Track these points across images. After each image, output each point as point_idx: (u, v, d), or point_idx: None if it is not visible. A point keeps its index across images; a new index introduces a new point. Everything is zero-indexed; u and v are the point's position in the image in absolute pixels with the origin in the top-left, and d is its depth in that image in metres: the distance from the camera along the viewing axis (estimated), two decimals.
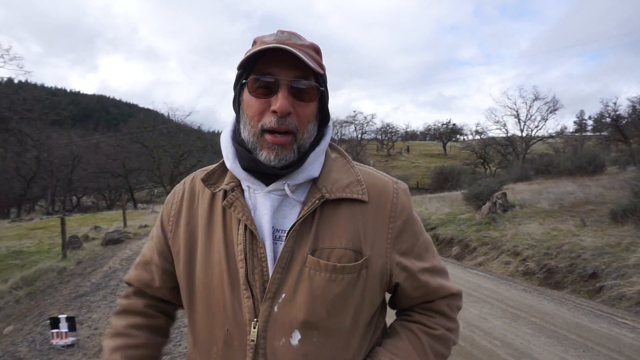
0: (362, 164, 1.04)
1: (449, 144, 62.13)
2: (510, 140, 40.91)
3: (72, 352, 4.10)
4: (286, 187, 0.91)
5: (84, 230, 16.15)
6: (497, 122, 43.38)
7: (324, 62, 0.98)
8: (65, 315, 4.31)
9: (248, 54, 0.88)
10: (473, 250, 9.43)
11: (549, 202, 11.09)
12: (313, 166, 0.94)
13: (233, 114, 1.01)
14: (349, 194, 0.92)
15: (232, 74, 0.98)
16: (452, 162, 46.29)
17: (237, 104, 0.97)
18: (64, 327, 4.23)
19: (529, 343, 4.17)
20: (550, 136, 40.54)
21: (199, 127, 41.77)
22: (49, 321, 4.40)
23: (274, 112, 0.86)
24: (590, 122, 38.24)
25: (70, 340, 4.24)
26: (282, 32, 0.92)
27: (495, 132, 45.55)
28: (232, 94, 0.99)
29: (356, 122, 55.89)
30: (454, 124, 62.00)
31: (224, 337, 0.91)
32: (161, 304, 1.13)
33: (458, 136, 62.23)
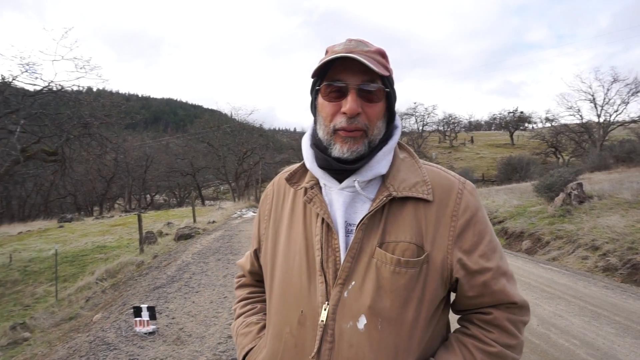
0: (430, 163, 1.10)
1: (516, 133, 58.89)
2: (585, 126, 37.93)
3: (153, 339, 4.41)
4: (356, 184, 1.00)
5: (157, 226, 17.20)
6: (570, 107, 40.27)
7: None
8: (146, 305, 4.63)
9: (320, 63, 0.99)
10: (546, 245, 8.93)
11: (632, 193, 10.21)
12: (381, 164, 1.02)
13: (310, 118, 1.13)
14: (415, 193, 0.99)
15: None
16: (520, 151, 43.92)
17: (313, 107, 1.09)
18: (145, 315, 4.55)
19: (612, 343, 3.90)
20: (633, 121, 37.08)
21: (260, 125, 42.92)
22: (132, 310, 4.75)
23: (344, 113, 0.97)
24: None
25: (151, 328, 4.56)
26: (351, 40, 1.02)
27: (568, 118, 42.57)
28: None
29: (417, 114, 54.60)
30: (521, 112, 58.43)
31: (298, 318, 1.00)
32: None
33: (526, 124, 58.68)
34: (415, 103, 53.63)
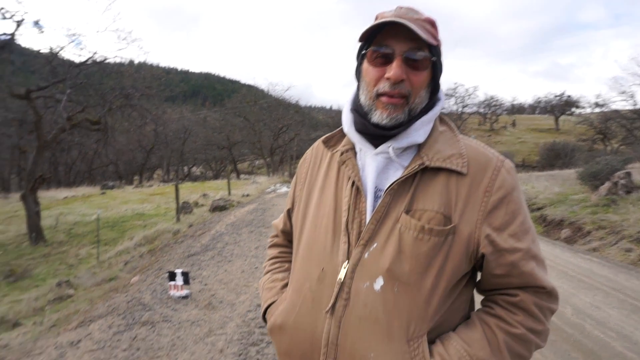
0: (470, 139, 1.08)
1: (562, 117, 56.28)
2: (638, 113, 35.86)
3: (186, 303, 4.57)
4: (390, 150, 1.00)
5: (194, 197, 17.66)
6: (623, 92, 37.96)
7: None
8: (180, 270, 4.79)
9: (368, 27, 0.98)
10: (586, 234, 8.58)
11: None
12: (418, 132, 1.01)
13: (354, 84, 1.12)
14: (449, 165, 0.98)
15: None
16: (565, 137, 42.08)
17: (358, 72, 1.08)
18: (179, 280, 4.72)
19: None
20: None
21: (297, 101, 42.86)
22: (167, 274, 4.93)
23: (388, 79, 0.97)
24: None
25: (185, 292, 4.72)
26: (401, 7, 1.01)
27: (619, 104, 39.96)
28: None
29: (457, 94, 52.96)
30: (569, 96, 55.63)
31: (319, 275, 1.03)
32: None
33: (573, 109, 55.85)
34: (455, 83, 51.57)
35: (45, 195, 21.27)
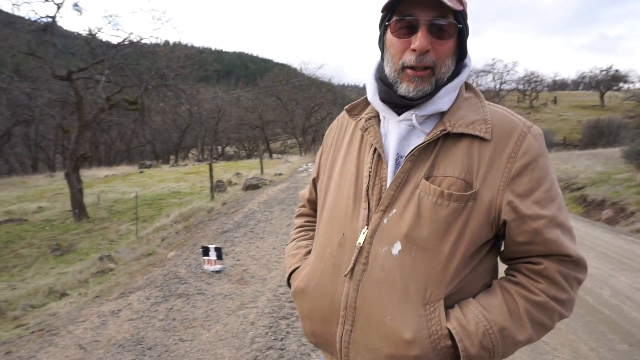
0: (498, 105, 1.05)
1: (608, 93, 53.50)
2: None
3: (219, 277, 4.71)
4: (413, 118, 0.99)
5: (227, 176, 18.00)
6: None
7: None
8: (214, 246, 4.92)
9: None
10: (630, 215, 8.23)
11: None
12: (443, 100, 0.99)
13: (377, 53, 1.10)
14: (471, 130, 0.96)
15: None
16: (611, 114, 40.05)
17: (381, 42, 1.06)
18: (213, 255, 4.86)
19: None
20: None
21: (329, 80, 42.39)
22: (201, 249, 5.08)
23: (414, 50, 0.94)
24: None
25: (218, 267, 4.86)
26: None
27: None
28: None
29: (495, 70, 51.19)
30: (616, 70, 52.61)
31: (339, 240, 1.04)
32: None
33: (621, 84, 52.95)
34: (493, 59, 50.11)
35: (87, 174, 22.20)
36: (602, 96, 53.57)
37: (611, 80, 52.82)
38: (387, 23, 1.00)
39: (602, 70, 53.94)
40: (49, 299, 6.50)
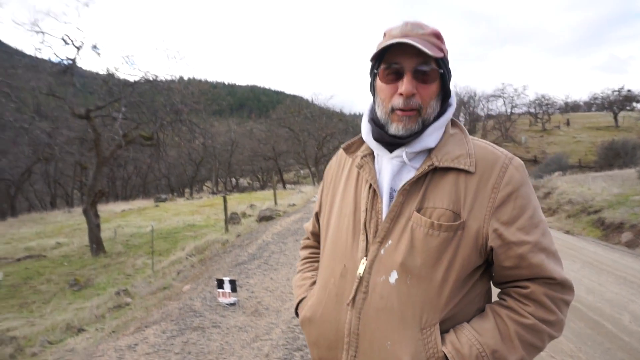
0: (481, 140, 1.14)
1: (621, 114, 53.00)
2: None
3: (234, 310, 4.73)
4: (404, 155, 1.09)
5: (241, 207, 18.14)
6: None
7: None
8: (228, 278, 4.97)
9: (378, 48, 1.07)
10: None
11: None
12: (430, 137, 1.09)
13: (370, 97, 1.22)
14: (457, 164, 1.05)
15: (367, 58, 1.15)
16: (626, 134, 39.61)
17: (372, 88, 1.17)
18: (227, 287, 4.89)
19: None
20: None
21: (340, 109, 43.10)
22: (216, 282, 5.12)
23: (401, 94, 1.05)
24: None
25: (232, 299, 4.89)
26: (407, 23, 1.09)
27: None
28: (364, 78, 1.21)
29: (505, 95, 51.28)
30: (628, 90, 52.22)
31: (341, 271, 1.12)
32: None
33: (634, 104, 52.46)
34: (503, 84, 50.09)
35: (105, 209, 22.56)
36: (615, 117, 53.11)
37: (624, 101, 52.33)
38: (375, 71, 1.11)
39: (614, 91, 53.58)
40: (66, 334, 6.56)
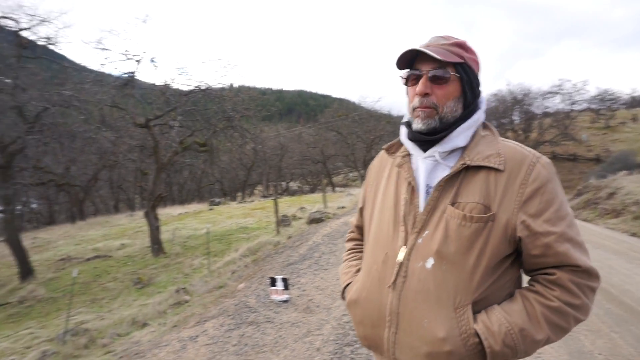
0: (511, 141, 1.26)
1: None
2: None
3: (286, 307, 4.92)
4: (436, 154, 1.23)
5: (292, 210, 18.48)
6: None
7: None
8: (280, 277, 5.17)
9: (399, 57, 1.24)
10: None
11: None
12: (459, 138, 1.22)
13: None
14: (487, 163, 1.16)
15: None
16: None
17: (406, 92, 1.33)
18: (280, 285, 5.10)
19: None
20: None
21: (388, 111, 42.76)
22: (269, 280, 5.34)
23: (417, 94, 1.22)
24: None
25: (285, 297, 5.09)
26: (434, 37, 1.27)
27: None
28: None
29: (563, 91, 48.68)
30: None
31: (383, 258, 1.27)
32: None
33: None
34: (560, 80, 47.54)
35: (163, 212, 23.71)
36: None
37: None
38: (404, 77, 1.29)
39: None
40: (132, 328, 7.03)
